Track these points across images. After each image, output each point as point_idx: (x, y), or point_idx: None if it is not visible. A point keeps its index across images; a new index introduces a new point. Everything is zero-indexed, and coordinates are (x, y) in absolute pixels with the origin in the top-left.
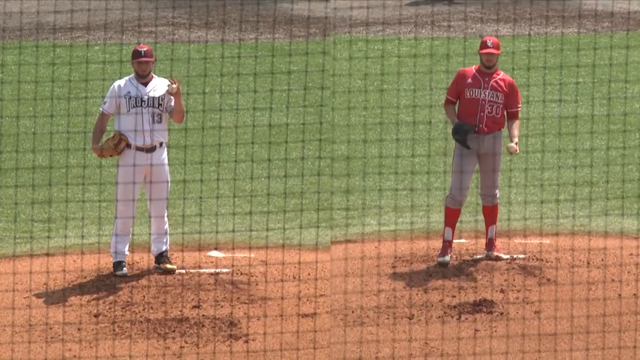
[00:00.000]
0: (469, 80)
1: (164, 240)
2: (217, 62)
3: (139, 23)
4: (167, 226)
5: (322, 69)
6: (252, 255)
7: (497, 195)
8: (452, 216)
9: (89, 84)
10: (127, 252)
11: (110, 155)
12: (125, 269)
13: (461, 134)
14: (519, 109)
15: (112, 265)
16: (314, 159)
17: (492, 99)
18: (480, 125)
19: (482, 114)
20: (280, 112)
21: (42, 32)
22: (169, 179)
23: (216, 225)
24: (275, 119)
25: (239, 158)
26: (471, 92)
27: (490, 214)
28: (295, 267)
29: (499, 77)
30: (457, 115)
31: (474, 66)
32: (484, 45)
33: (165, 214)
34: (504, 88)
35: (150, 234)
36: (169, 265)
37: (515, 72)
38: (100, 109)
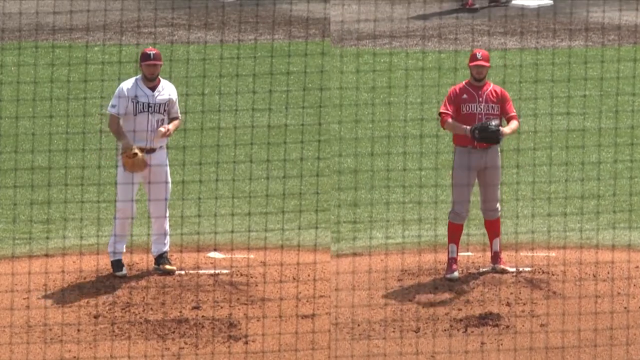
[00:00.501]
0: (464, 96)
1: (165, 242)
2: (216, 63)
3: (138, 24)
4: (167, 227)
5: (321, 70)
6: (252, 256)
7: (499, 209)
8: (456, 232)
9: (88, 85)
10: (124, 251)
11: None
12: (124, 269)
13: (494, 127)
14: (514, 113)
15: (110, 265)
16: (313, 159)
17: (488, 111)
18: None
19: None
20: (279, 113)
21: (42, 33)
22: (169, 180)
23: (215, 226)
24: (274, 120)
25: (238, 159)
26: (467, 107)
27: (493, 227)
28: (294, 268)
29: (490, 88)
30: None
31: (463, 82)
32: (473, 58)
33: (166, 215)
34: (497, 98)
35: (150, 234)
36: (168, 266)
37: (522, 84)
38: (109, 111)
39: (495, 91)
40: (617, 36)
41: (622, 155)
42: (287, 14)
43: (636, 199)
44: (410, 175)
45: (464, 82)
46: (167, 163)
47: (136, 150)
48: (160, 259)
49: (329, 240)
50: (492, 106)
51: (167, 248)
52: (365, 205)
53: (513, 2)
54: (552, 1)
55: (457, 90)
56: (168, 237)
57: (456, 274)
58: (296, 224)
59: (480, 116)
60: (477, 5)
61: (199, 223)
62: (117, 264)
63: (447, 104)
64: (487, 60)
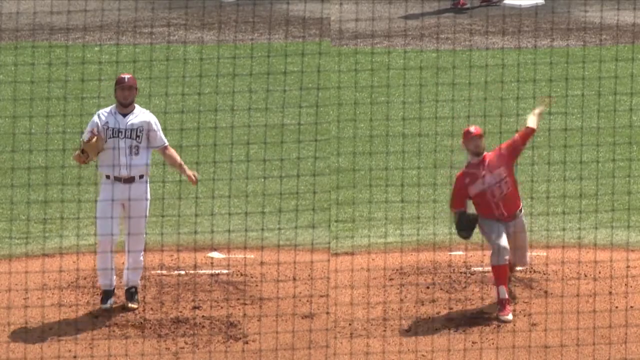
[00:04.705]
0: (467, 180)
1: (138, 275)
2: (213, 62)
3: (136, 24)
4: (142, 260)
5: (318, 70)
6: (252, 256)
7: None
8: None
9: (86, 85)
10: (114, 283)
11: (87, 157)
12: (110, 301)
13: (468, 225)
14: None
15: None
16: (311, 159)
17: (495, 180)
18: (502, 212)
19: (494, 199)
20: (278, 113)
21: (40, 33)
22: (147, 214)
23: (211, 226)
24: (272, 120)
25: (235, 158)
26: (474, 188)
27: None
28: (292, 267)
29: (489, 157)
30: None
31: (464, 167)
32: (467, 133)
33: (142, 249)
34: (498, 159)
35: (124, 264)
36: (131, 304)
37: (504, 84)
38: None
39: (492, 155)
40: (602, 35)
41: (606, 155)
42: (285, 14)
43: (619, 198)
44: (394, 174)
45: (464, 168)
46: (148, 197)
47: (82, 146)
48: (128, 293)
49: (327, 239)
50: (497, 174)
51: (138, 283)
52: (349, 204)
53: (505, 1)
54: (543, 1)
55: (461, 179)
56: (141, 270)
57: (510, 316)
58: (294, 223)
59: (491, 190)
60: (468, 5)
61: (196, 222)
62: (104, 295)
63: (455, 197)
64: (480, 132)
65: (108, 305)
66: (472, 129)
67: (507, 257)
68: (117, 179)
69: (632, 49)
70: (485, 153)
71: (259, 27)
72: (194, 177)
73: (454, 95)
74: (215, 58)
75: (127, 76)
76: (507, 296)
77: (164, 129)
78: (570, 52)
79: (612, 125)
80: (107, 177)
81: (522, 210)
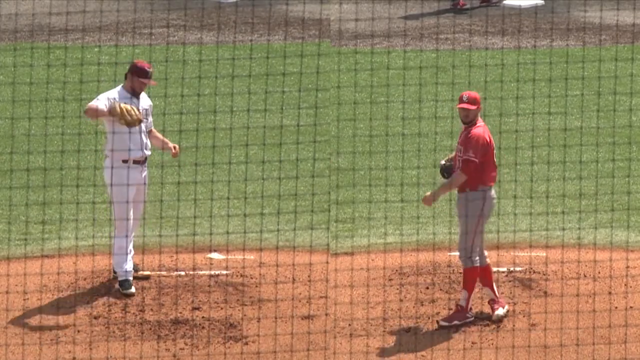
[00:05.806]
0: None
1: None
2: (213, 63)
3: (135, 25)
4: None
5: (317, 71)
6: (251, 257)
7: (471, 258)
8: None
9: (85, 86)
10: (131, 269)
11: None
12: (133, 287)
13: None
14: (467, 157)
15: (119, 282)
16: (310, 160)
17: (457, 151)
18: None
19: (455, 167)
20: (277, 114)
21: (39, 34)
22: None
23: (210, 227)
24: (271, 121)
25: (234, 160)
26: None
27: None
28: (292, 269)
29: (469, 132)
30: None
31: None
32: (459, 100)
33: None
34: (464, 142)
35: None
36: (143, 272)
37: (504, 84)
38: (90, 104)
39: (468, 135)
40: (602, 35)
41: (605, 155)
42: (284, 15)
43: (619, 198)
44: (400, 174)
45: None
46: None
47: (120, 105)
48: (136, 266)
49: (326, 240)
50: (459, 148)
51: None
52: (348, 204)
53: (504, 2)
54: (543, 1)
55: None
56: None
57: (506, 308)
58: (293, 225)
59: (456, 156)
60: (467, 5)
61: (195, 223)
62: (125, 283)
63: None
64: (473, 103)
65: (133, 290)
66: (464, 96)
67: (478, 259)
68: (137, 162)
69: (632, 49)
70: (474, 126)
71: (258, 28)
72: (174, 149)
73: (453, 95)
74: (214, 59)
75: (151, 70)
76: (495, 296)
77: (163, 130)
78: (569, 52)
79: (611, 125)
80: (125, 161)
81: (475, 192)
